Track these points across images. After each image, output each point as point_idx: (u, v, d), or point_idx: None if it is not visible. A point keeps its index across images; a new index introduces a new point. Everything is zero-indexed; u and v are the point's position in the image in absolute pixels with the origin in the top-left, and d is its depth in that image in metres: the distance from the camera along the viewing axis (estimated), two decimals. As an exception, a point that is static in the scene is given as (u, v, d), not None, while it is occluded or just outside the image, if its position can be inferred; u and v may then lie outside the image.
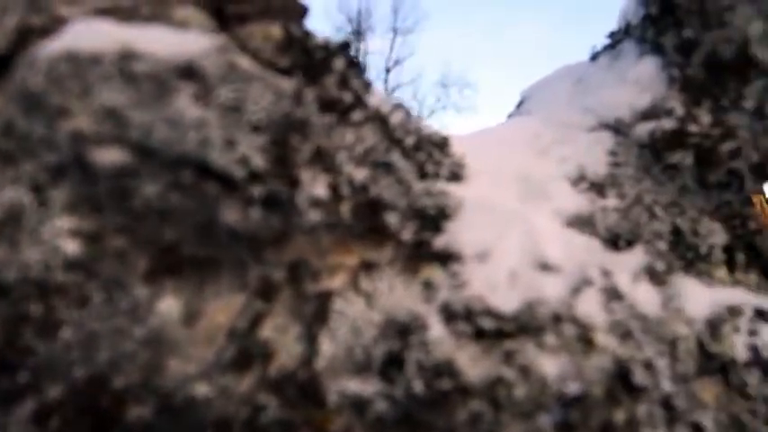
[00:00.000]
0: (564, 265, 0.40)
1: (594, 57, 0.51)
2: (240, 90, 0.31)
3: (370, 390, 0.34)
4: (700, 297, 0.45)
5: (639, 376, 0.38)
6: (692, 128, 0.45)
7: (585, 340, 0.38)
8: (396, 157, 0.39)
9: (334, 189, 0.35)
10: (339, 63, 0.38)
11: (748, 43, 0.43)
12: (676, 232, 0.47)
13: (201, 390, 0.33)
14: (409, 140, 0.40)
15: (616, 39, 0.51)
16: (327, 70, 0.38)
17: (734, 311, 0.45)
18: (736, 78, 0.45)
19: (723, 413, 0.43)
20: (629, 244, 0.45)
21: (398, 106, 0.41)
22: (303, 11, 0.38)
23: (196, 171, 0.29)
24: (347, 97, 0.38)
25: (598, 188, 0.47)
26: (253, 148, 0.30)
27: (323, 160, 0.35)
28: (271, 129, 0.31)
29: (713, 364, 0.43)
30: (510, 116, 0.56)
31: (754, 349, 0.43)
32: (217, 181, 0.30)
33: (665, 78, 0.46)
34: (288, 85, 0.33)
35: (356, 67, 0.40)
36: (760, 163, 0.46)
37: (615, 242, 0.45)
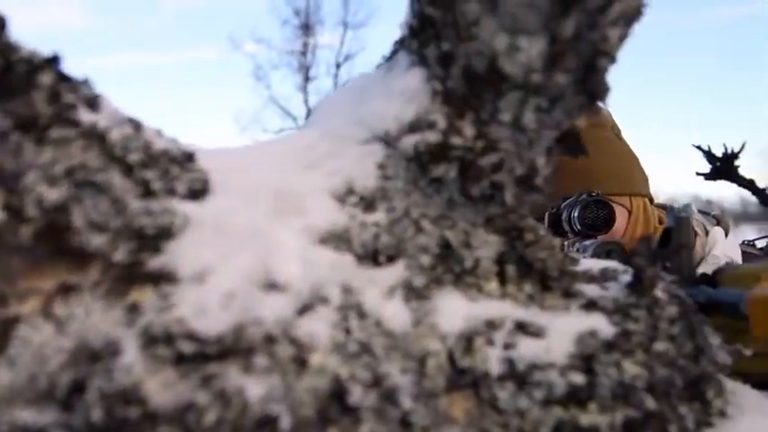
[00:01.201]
0: (296, 284, 0.40)
1: (379, 66, 0.52)
2: None
3: (46, 419, 0.33)
4: (458, 311, 0.46)
5: (357, 395, 0.38)
6: (455, 141, 0.46)
7: (301, 361, 0.38)
8: (112, 175, 0.39)
9: (14, 211, 0.34)
10: (47, 78, 0.38)
11: (497, 57, 0.43)
12: (446, 246, 0.48)
13: None
14: (134, 157, 0.40)
15: (394, 49, 0.51)
16: (32, 85, 0.37)
17: (491, 325, 0.45)
18: (491, 91, 0.45)
19: (473, 428, 0.44)
20: (391, 259, 0.45)
21: (126, 121, 0.40)
22: (1, 22, 0.37)
23: None
24: (52, 113, 0.37)
25: (367, 202, 0.47)
26: None
27: (2, 181, 0.34)
28: None
29: (464, 378, 0.44)
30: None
31: (510, 362, 0.44)
32: None
33: (429, 91, 0.47)
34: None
35: (69, 81, 0.39)
36: (525, 175, 0.47)
37: (375, 258, 0.45)
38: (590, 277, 0.54)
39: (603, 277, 0.54)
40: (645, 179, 1.22)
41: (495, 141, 0.47)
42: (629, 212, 1.15)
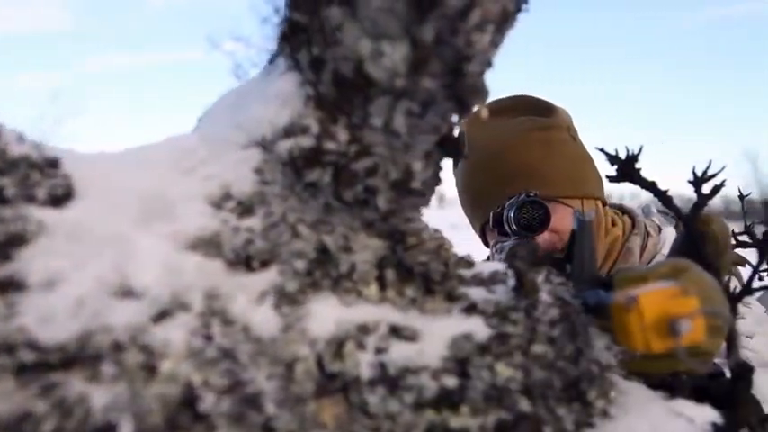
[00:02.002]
0: (154, 291, 0.40)
1: (261, 70, 0.52)
2: None
3: None
4: (330, 316, 0.46)
5: (209, 402, 0.39)
6: (329, 145, 0.46)
7: (150, 368, 0.38)
8: (-40, 183, 0.39)
9: None
10: None
11: (362, 61, 0.44)
12: (324, 250, 0.48)
13: None
14: (-14, 164, 0.40)
15: (276, 52, 0.51)
16: None
17: (364, 329, 0.46)
18: (360, 96, 0.46)
19: (343, 433, 0.44)
20: (265, 264, 0.46)
21: (-21, 128, 0.41)
22: None
23: None
24: None
25: (245, 207, 0.47)
26: None
27: None
28: None
29: (334, 383, 0.44)
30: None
31: (382, 366, 0.45)
32: None
33: (302, 95, 0.47)
34: None
35: None
36: (401, 179, 0.48)
37: (248, 263, 0.46)
38: (480, 280, 0.55)
39: (492, 280, 0.55)
40: (599, 181, 1.22)
41: (368, 146, 0.47)
42: None
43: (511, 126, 1.16)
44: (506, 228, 1.05)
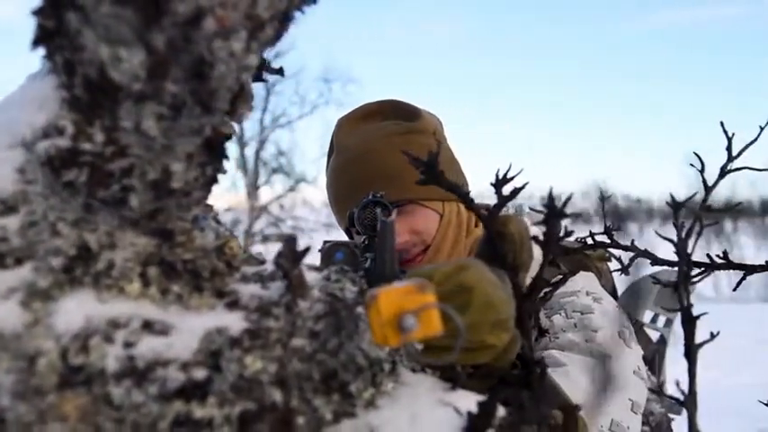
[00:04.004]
0: None
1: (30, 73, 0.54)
2: None
3: None
4: (80, 311, 0.49)
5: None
6: (85, 146, 0.49)
7: None
8: None
9: None
10: None
11: (104, 66, 0.46)
12: (86, 248, 0.50)
13: None
14: None
15: (44, 56, 0.53)
16: None
17: (114, 324, 0.48)
18: (109, 99, 0.48)
19: (85, 423, 0.47)
20: (19, 262, 0.48)
21: None
22: None
23: None
24: None
25: (7, 206, 0.49)
26: None
27: None
28: None
29: (78, 376, 0.47)
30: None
31: (130, 359, 0.47)
32: None
33: (58, 97, 0.49)
34: None
35: None
36: (160, 179, 0.50)
37: (1, 261, 0.47)
38: (259, 277, 0.57)
39: (271, 277, 0.57)
40: (463, 184, 1.26)
41: (125, 147, 0.50)
42: (441, 216, 1.19)
43: (376, 130, 1.19)
44: (358, 228, 1.08)
